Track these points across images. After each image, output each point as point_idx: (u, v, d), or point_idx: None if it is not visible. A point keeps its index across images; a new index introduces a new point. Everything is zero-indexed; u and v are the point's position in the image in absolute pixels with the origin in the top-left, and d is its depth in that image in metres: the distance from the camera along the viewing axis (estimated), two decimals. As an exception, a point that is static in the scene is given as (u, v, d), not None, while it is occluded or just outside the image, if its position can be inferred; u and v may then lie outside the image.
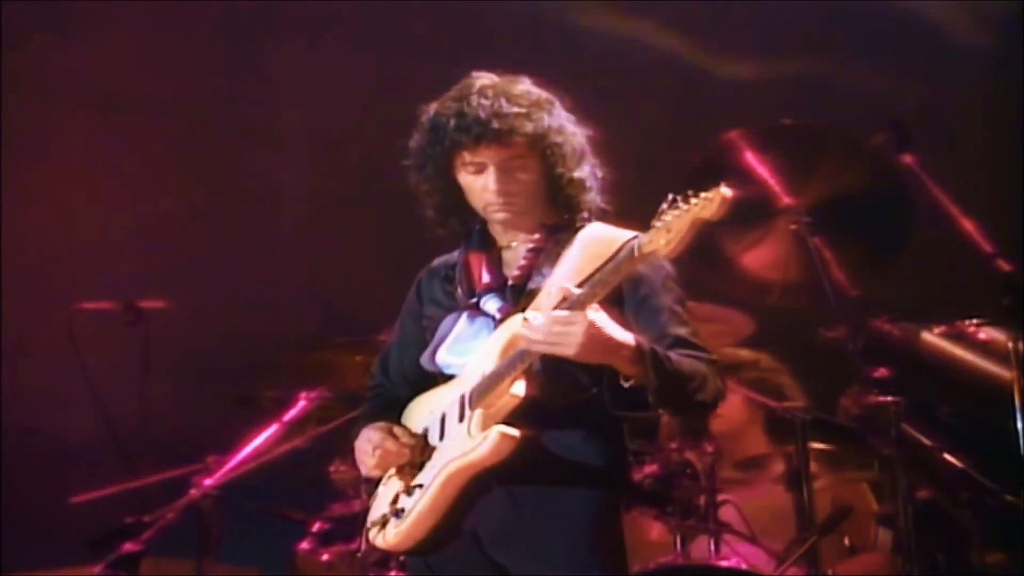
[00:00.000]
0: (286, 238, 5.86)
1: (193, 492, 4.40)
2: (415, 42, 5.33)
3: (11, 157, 5.60)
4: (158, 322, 5.15)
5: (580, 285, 2.80)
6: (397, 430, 2.98)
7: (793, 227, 4.06)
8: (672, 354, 2.82)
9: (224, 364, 5.60)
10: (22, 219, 5.66)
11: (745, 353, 4.59)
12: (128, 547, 4.30)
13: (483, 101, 2.91)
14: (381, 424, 3.00)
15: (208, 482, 4.41)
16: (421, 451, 2.96)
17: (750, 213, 4.09)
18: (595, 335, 2.71)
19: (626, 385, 2.78)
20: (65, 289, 5.45)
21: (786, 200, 4.09)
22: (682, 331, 2.89)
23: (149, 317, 5.13)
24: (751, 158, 4.10)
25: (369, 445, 2.97)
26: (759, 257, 4.20)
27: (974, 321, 3.95)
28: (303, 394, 4.67)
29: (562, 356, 2.75)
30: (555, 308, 2.78)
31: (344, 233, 5.73)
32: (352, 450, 3.07)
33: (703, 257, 4.10)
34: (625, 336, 2.76)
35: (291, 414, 4.63)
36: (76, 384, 5.13)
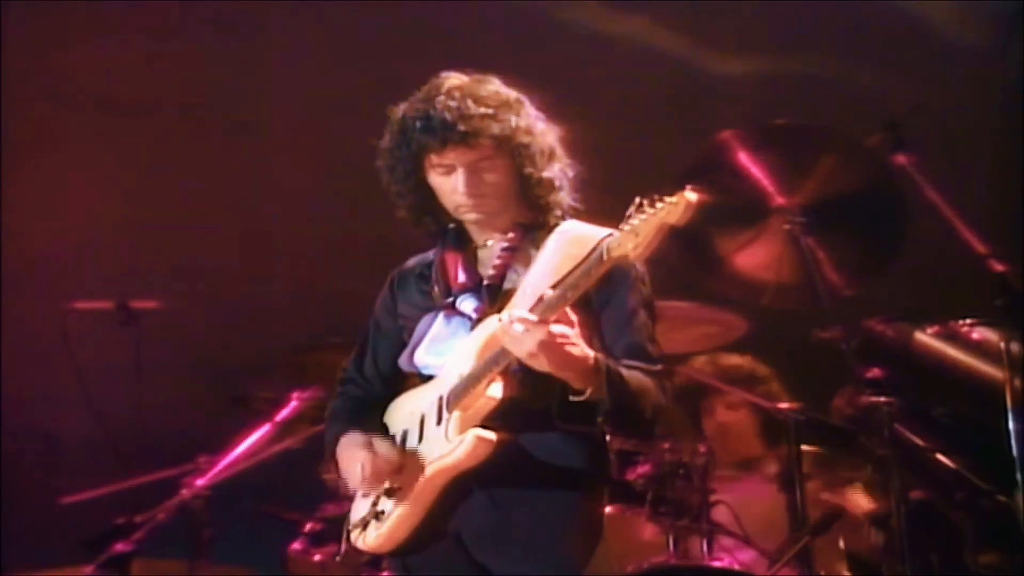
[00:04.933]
0: (279, 238, 5.86)
1: (184, 492, 4.39)
2: (410, 41, 5.33)
3: (7, 157, 5.59)
4: (151, 322, 5.14)
5: (553, 288, 2.79)
6: (382, 447, 2.95)
7: (787, 227, 4.06)
8: (624, 370, 2.82)
9: (217, 364, 5.59)
10: (15, 219, 5.65)
11: (739, 360, 4.58)
12: (119, 547, 4.29)
13: (450, 103, 2.91)
14: (363, 441, 2.97)
15: (199, 482, 4.41)
16: (402, 452, 2.95)
17: (744, 213, 4.09)
18: (549, 347, 2.72)
19: (574, 399, 2.78)
20: (58, 289, 5.44)
21: (780, 200, 4.08)
22: (639, 337, 2.90)
23: (142, 317, 5.12)
24: (745, 158, 4.09)
25: (356, 466, 2.95)
26: (752, 257, 4.19)
27: (967, 321, 3.94)
28: (296, 394, 4.67)
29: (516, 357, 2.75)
30: (530, 311, 2.77)
31: (337, 233, 5.73)
32: (330, 457, 3.06)
33: (696, 257, 4.10)
34: (584, 351, 2.77)
35: (283, 414, 4.63)
36: (69, 384, 5.12)
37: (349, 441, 3.00)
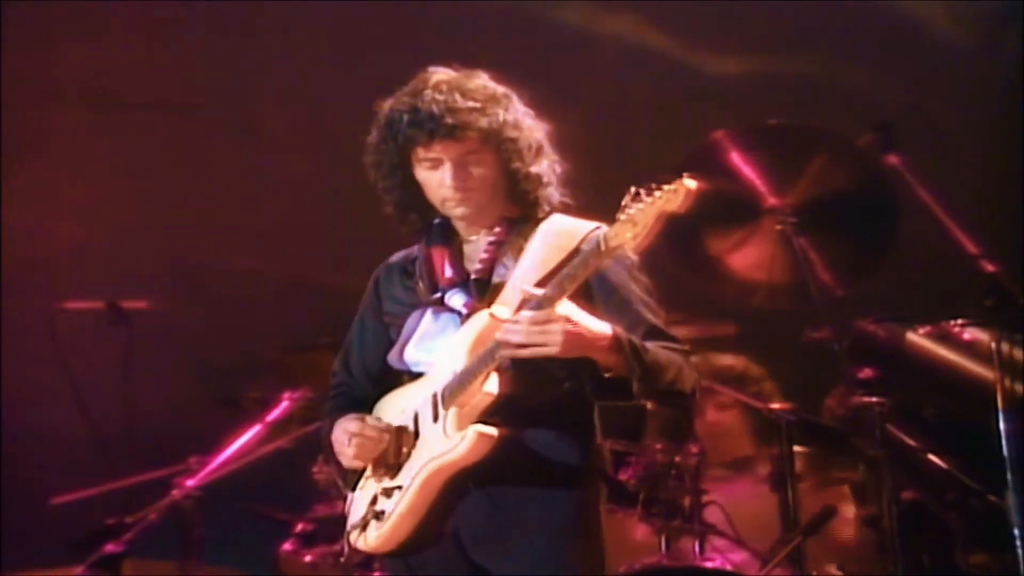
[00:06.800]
0: (270, 238, 5.85)
1: (175, 493, 4.38)
2: (404, 41, 5.32)
3: (4, 156, 5.58)
4: (141, 322, 5.13)
5: (545, 280, 2.81)
6: (371, 419, 2.98)
7: (779, 228, 4.06)
8: (648, 344, 2.83)
9: (207, 364, 5.58)
10: (11, 217, 5.63)
11: (732, 361, 4.58)
12: (109, 548, 4.28)
13: (437, 96, 2.91)
14: (354, 416, 3.00)
15: (190, 483, 4.40)
16: (397, 448, 2.95)
17: (736, 213, 4.09)
18: (573, 330, 2.72)
19: (607, 376, 2.79)
20: (51, 288, 5.42)
21: (772, 201, 4.08)
22: (654, 321, 2.91)
23: (132, 317, 5.11)
24: (737, 158, 4.09)
25: (346, 436, 2.96)
26: (745, 258, 4.19)
27: (959, 322, 3.95)
28: (287, 394, 4.66)
29: (545, 356, 2.74)
30: (519, 309, 2.77)
31: (329, 233, 5.72)
32: (328, 450, 3.07)
33: (688, 257, 4.10)
34: (601, 327, 2.77)
35: (274, 414, 4.62)
36: (59, 384, 5.10)
37: (343, 419, 3.00)
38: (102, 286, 5.35)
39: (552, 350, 2.73)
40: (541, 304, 2.74)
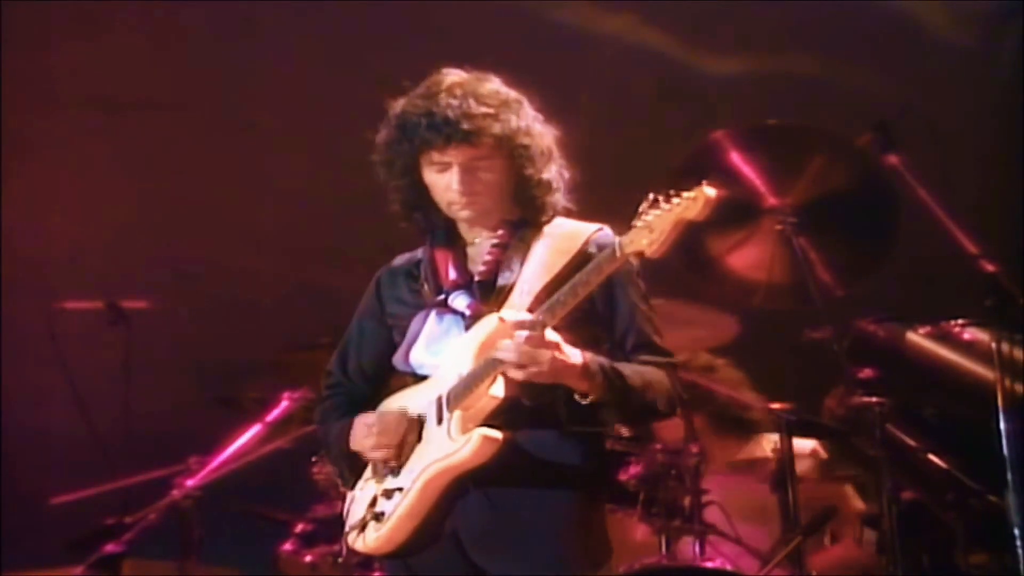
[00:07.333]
0: (269, 238, 5.85)
1: (174, 493, 4.38)
2: (403, 42, 5.33)
3: (3, 156, 5.58)
4: (141, 322, 5.13)
5: (554, 284, 2.82)
6: (392, 412, 2.97)
7: (779, 228, 4.06)
8: (626, 366, 2.84)
9: (207, 364, 5.58)
10: (9, 217, 5.63)
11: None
12: (109, 548, 4.28)
13: (452, 101, 2.91)
14: (373, 412, 3.00)
15: (190, 483, 4.40)
16: (405, 445, 2.94)
17: (735, 213, 4.08)
18: (554, 365, 2.74)
19: (583, 402, 2.81)
20: (49, 288, 5.42)
21: (772, 201, 4.08)
22: (647, 331, 2.92)
23: (131, 317, 5.11)
24: (736, 158, 4.09)
25: (366, 428, 2.96)
26: (744, 258, 4.19)
27: (959, 322, 3.95)
28: (286, 394, 4.66)
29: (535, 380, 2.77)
30: (536, 310, 2.77)
31: (328, 233, 5.72)
32: (327, 450, 3.07)
33: (688, 257, 4.10)
34: (573, 353, 2.79)
35: (274, 415, 4.62)
36: (58, 384, 5.11)
37: (363, 414, 3.00)
38: (101, 286, 5.35)
39: (541, 378, 2.76)
40: (553, 308, 2.76)
